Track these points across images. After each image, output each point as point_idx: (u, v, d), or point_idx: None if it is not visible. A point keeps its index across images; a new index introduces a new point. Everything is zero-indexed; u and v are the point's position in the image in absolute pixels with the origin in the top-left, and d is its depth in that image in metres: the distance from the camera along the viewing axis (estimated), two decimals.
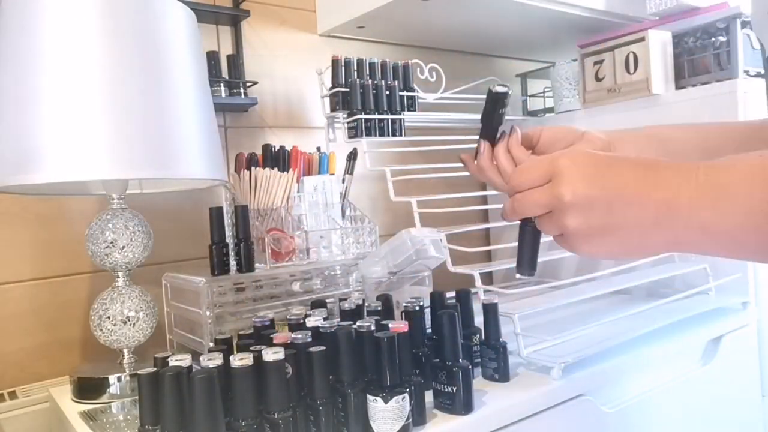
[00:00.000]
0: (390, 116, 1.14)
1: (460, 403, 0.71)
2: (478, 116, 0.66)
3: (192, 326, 0.95)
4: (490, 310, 0.82)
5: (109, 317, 0.85)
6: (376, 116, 1.12)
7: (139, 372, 0.62)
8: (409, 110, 1.19)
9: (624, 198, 0.45)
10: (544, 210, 0.48)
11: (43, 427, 0.92)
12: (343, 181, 1.12)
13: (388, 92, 1.15)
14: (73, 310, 1.02)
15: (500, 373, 0.80)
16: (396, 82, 1.16)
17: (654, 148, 0.72)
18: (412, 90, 1.19)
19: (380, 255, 0.88)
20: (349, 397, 0.65)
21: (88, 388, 0.86)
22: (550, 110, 1.48)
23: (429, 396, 0.73)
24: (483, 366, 0.83)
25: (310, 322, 0.74)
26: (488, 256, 1.32)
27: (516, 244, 0.54)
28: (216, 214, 0.95)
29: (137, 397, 0.63)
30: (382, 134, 1.13)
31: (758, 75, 1.17)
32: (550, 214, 0.48)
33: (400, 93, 1.16)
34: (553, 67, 1.50)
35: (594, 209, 0.45)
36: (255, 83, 1.18)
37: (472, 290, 0.90)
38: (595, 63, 1.31)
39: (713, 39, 1.17)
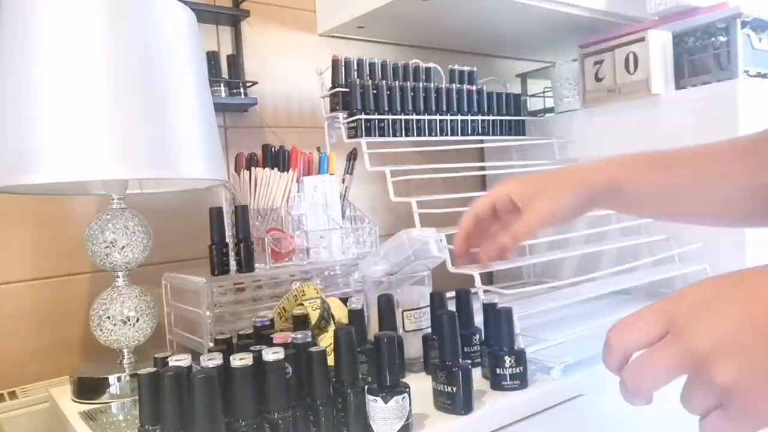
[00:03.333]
0: (390, 116, 1.14)
1: (460, 403, 0.71)
2: (479, 117, 0.65)
3: (192, 326, 0.95)
4: (501, 315, 0.80)
5: (109, 317, 0.85)
6: (376, 116, 1.12)
7: (139, 372, 0.62)
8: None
9: None
10: (678, 373, 0.33)
11: (43, 427, 0.92)
12: (343, 181, 1.12)
13: (412, 93, 1.17)
14: (73, 310, 1.02)
15: (520, 378, 0.79)
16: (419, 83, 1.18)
17: (673, 203, 0.62)
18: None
19: (380, 255, 0.88)
20: (349, 397, 0.65)
21: (88, 388, 0.86)
22: (550, 110, 1.48)
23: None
24: (501, 373, 0.79)
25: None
26: None
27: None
28: (216, 214, 0.95)
29: (137, 397, 0.63)
30: (382, 134, 1.14)
31: (758, 75, 1.17)
32: (690, 384, 0.33)
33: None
34: (553, 67, 1.50)
35: (748, 343, 0.30)
36: (255, 83, 1.18)
37: (472, 290, 0.90)
38: (595, 63, 1.31)
39: (713, 39, 1.17)
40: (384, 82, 1.14)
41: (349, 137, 1.14)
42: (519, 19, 1.30)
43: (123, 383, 0.86)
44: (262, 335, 0.74)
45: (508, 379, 0.78)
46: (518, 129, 1.37)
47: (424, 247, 0.86)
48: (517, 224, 0.65)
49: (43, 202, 1.00)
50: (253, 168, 1.03)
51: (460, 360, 0.72)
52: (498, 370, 0.78)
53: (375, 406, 0.65)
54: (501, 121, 1.31)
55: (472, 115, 1.25)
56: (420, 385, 0.79)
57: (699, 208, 0.63)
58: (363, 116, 1.11)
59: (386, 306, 0.84)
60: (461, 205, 1.09)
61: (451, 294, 0.90)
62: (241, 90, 1.16)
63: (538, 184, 0.65)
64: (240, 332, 0.77)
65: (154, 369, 0.62)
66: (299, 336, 0.68)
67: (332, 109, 1.16)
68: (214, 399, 0.58)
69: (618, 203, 0.65)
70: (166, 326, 1.01)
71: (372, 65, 1.17)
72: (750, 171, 0.58)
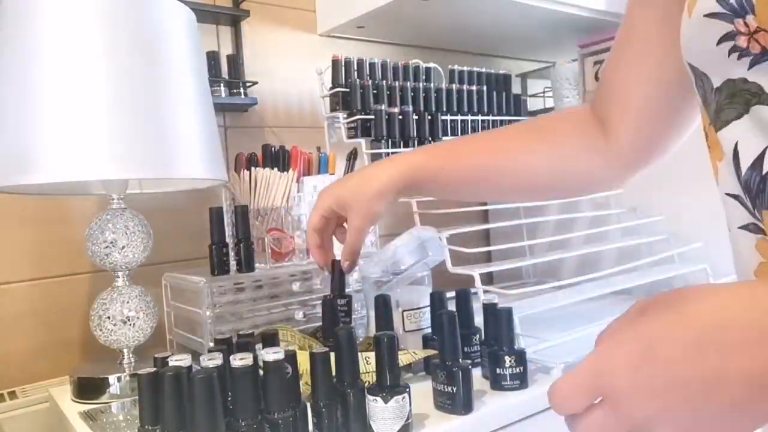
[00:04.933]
0: (390, 109, 1.14)
1: (460, 403, 0.71)
2: (478, 116, 0.66)
3: (192, 326, 0.95)
4: (501, 314, 0.80)
5: (109, 317, 0.85)
6: (385, 108, 1.12)
7: (139, 372, 0.61)
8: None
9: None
10: None
11: (43, 427, 0.92)
12: None
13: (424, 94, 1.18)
14: (73, 310, 1.02)
15: (520, 378, 0.79)
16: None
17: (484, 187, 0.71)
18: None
19: (385, 255, 0.88)
20: (349, 397, 0.65)
21: (88, 388, 0.86)
22: (550, 110, 1.48)
23: None
24: (501, 373, 0.79)
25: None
26: (488, 257, 1.32)
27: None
28: (216, 214, 0.95)
29: (137, 397, 0.63)
30: (385, 134, 1.14)
31: None
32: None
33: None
34: (553, 67, 1.50)
35: (684, 412, 0.31)
36: (255, 83, 1.18)
37: (472, 290, 0.90)
38: (595, 63, 1.31)
39: None
40: (384, 82, 1.14)
41: (349, 137, 1.14)
42: (519, 19, 1.30)
43: (123, 383, 0.86)
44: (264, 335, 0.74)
45: (508, 379, 0.78)
46: None
47: (431, 246, 0.86)
48: (347, 240, 0.74)
49: (43, 202, 1.00)
50: (253, 168, 1.03)
51: (460, 360, 0.72)
52: (498, 370, 0.78)
53: (375, 406, 0.65)
54: (501, 121, 1.32)
55: (472, 115, 1.25)
56: (420, 385, 0.79)
57: (496, 191, 0.73)
58: (363, 116, 1.11)
59: (384, 306, 0.84)
60: (461, 206, 1.10)
61: (451, 294, 0.90)
62: (241, 90, 1.16)
63: (353, 192, 0.71)
64: (240, 332, 0.77)
65: (154, 369, 0.62)
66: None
67: (332, 109, 1.16)
68: (214, 399, 0.58)
69: (423, 193, 0.77)
70: (166, 326, 1.01)
71: (372, 65, 1.17)
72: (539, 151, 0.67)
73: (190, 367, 0.62)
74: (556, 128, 0.69)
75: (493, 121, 1.29)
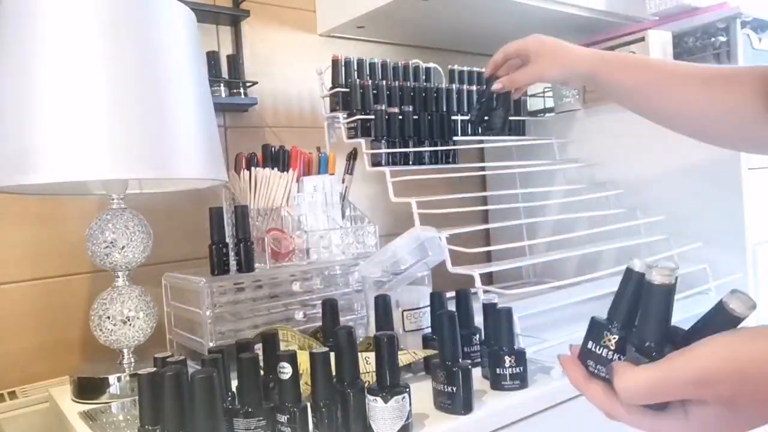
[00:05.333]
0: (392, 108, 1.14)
1: (460, 403, 0.71)
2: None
3: (192, 326, 0.95)
4: (501, 315, 0.80)
5: (109, 317, 0.85)
6: (385, 108, 1.12)
7: (139, 372, 0.61)
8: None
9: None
10: None
11: (43, 427, 0.92)
12: (343, 181, 1.12)
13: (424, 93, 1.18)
14: (73, 310, 1.02)
15: (520, 378, 0.79)
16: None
17: (649, 78, 0.80)
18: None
19: (385, 255, 0.88)
20: (349, 397, 0.65)
21: (88, 388, 0.86)
22: (550, 110, 1.48)
23: None
24: (501, 373, 0.79)
25: None
26: (488, 257, 1.32)
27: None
28: (216, 214, 0.95)
29: (137, 397, 0.63)
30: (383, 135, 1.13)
31: None
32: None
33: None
34: None
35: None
36: (255, 83, 1.18)
37: (472, 290, 0.90)
38: None
39: (713, 39, 1.17)
40: (384, 82, 1.14)
41: (349, 137, 1.14)
42: (519, 19, 1.30)
43: (123, 383, 0.86)
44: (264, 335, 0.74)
45: (508, 379, 0.78)
46: (518, 129, 1.37)
47: (430, 245, 0.86)
48: (516, 73, 0.95)
49: (43, 202, 1.00)
50: (253, 168, 1.03)
51: (460, 360, 0.72)
52: (498, 370, 0.78)
53: (375, 406, 0.65)
54: None
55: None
56: (420, 385, 0.79)
57: (663, 114, 0.81)
58: (363, 116, 1.11)
59: (384, 306, 0.84)
60: (461, 206, 1.10)
61: (451, 294, 0.90)
62: (241, 90, 1.16)
63: (548, 51, 0.90)
64: (239, 339, 0.76)
65: (154, 369, 0.62)
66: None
67: (332, 109, 1.16)
68: (214, 399, 0.58)
69: (596, 87, 0.89)
70: (166, 326, 1.01)
71: (372, 65, 1.17)
72: (710, 101, 0.74)
73: (183, 361, 0.62)
74: (739, 75, 0.73)
75: None
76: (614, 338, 0.42)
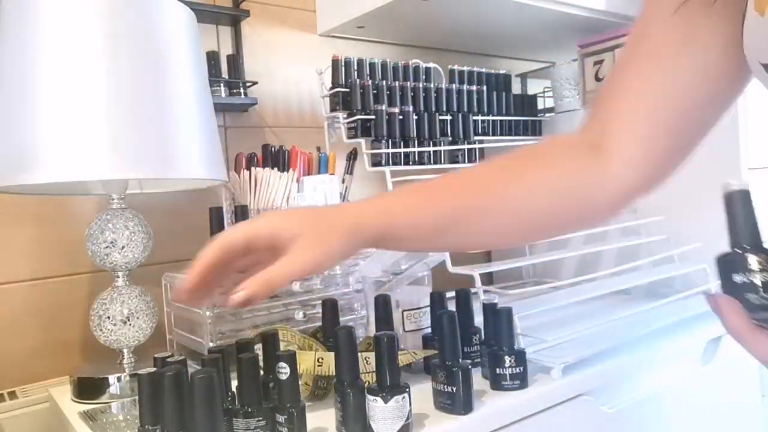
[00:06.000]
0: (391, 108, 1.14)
1: (460, 403, 0.71)
2: (478, 116, 0.65)
3: (192, 326, 0.95)
4: (501, 315, 0.80)
5: (109, 317, 0.85)
6: (385, 108, 1.12)
7: (139, 372, 0.61)
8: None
9: None
10: None
11: (43, 427, 0.92)
12: (343, 181, 1.12)
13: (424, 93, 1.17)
14: (73, 310, 1.02)
15: (520, 378, 0.79)
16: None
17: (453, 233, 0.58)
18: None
19: (385, 255, 0.88)
20: (349, 397, 0.65)
21: (88, 388, 0.86)
22: (550, 110, 1.48)
23: None
24: (501, 373, 0.79)
25: None
26: (488, 257, 1.32)
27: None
28: (216, 214, 0.95)
29: (137, 397, 0.63)
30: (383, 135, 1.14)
31: None
32: None
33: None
34: (553, 67, 1.50)
35: None
36: (255, 83, 1.18)
37: (472, 290, 0.90)
38: (595, 63, 1.31)
39: None
40: (384, 82, 1.14)
41: (349, 137, 1.14)
42: (519, 19, 1.30)
43: (123, 383, 0.86)
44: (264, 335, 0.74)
45: (508, 379, 0.78)
46: (518, 129, 1.37)
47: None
48: (276, 269, 0.52)
49: (43, 202, 1.00)
50: (253, 168, 1.03)
51: (460, 360, 0.72)
52: (498, 370, 0.78)
53: (375, 406, 0.65)
54: (501, 121, 1.31)
55: (472, 115, 1.25)
56: (420, 385, 0.79)
57: (478, 238, 0.60)
58: (363, 116, 1.11)
59: (384, 306, 0.84)
60: None
61: (451, 294, 0.90)
62: (241, 90, 1.16)
63: (305, 222, 0.54)
64: (239, 339, 0.77)
65: (154, 369, 0.62)
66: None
67: (332, 109, 1.16)
68: (214, 399, 0.58)
69: (393, 246, 0.61)
70: (166, 326, 1.01)
71: (372, 65, 1.16)
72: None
73: (184, 360, 0.62)
74: (545, 153, 0.61)
75: (493, 121, 1.29)
76: (759, 258, 0.38)
